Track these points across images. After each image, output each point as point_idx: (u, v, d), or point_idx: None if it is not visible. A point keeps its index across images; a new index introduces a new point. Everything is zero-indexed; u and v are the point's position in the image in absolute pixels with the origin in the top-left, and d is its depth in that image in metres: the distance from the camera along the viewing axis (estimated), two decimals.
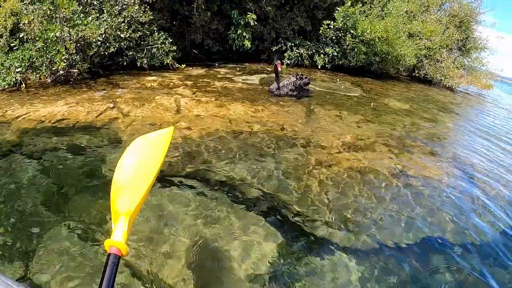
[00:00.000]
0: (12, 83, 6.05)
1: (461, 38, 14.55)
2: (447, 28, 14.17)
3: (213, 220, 2.78)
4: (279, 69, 6.85)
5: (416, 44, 12.87)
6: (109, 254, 0.96)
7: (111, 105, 5.43)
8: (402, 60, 11.96)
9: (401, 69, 13.37)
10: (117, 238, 1.01)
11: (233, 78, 8.55)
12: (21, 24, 6.55)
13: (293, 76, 7.23)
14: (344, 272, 2.42)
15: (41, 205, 2.85)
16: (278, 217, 2.95)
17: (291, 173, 3.75)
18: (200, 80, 7.96)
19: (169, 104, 5.72)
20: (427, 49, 13.39)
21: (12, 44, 6.32)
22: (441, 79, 13.72)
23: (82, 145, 4.10)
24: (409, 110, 7.80)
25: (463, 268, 2.64)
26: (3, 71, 6.06)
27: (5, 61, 6.15)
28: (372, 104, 7.83)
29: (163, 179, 3.36)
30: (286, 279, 2.31)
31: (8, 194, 2.99)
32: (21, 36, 6.45)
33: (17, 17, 6.65)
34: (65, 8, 6.37)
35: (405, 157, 4.68)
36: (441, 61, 13.77)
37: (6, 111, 5.08)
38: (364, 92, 9.17)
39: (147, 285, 2.12)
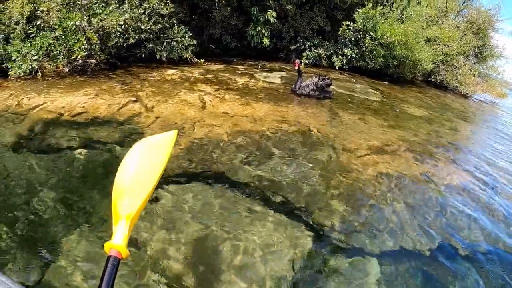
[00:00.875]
0: (28, 71, 5.72)
1: (478, 45, 14.17)
2: (465, 34, 13.79)
3: (236, 221, 2.69)
4: (297, 67, 6.71)
5: (433, 49, 12.50)
6: (109, 257, 0.94)
7: (133, 99, 5.08)
8: (419, 65, 11.59)
9: (417, 73, 12.96)
10: (118, 241, 0.98)
11: (253, 75, 8.18)
12: (38, 12, 6.20)
13: (315, 76, 6.98)
14: (368, 277, 2.38)
15: (56, 202, 2.66)
16: (303, 219, 2.86)
17: (319, 176, 3.60)
18: (221, 76, 7.59)
19: (193, 100, 5.37)
20: (444, 54, 13.02)
21: (29, 32, 5.97)
22: (457, 86, 13.35)
23: (103, 140, 3.76)
24: (429, 117, 7.47)
25: (488, 275, 2.61)
26: (19, 58, 5.71)
27: (21, 48, 5.80)
28: (397, 110, 7.55)
29: (189, 175, 3.24)
30: (309, 282, 2.28)
31: (22, 189, 2.78)
32: (38, 23, 6.10)
33: (35, 4, 6.30)
34: None
35: (430, 164, 4.48)
36: (458, 68, 13.40)
37: (22, 99, 4.74)
38: (383, 96, 8.79)
39: None
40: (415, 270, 2.53)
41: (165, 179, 3.11)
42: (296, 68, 6.70)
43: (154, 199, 2.81)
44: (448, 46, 13.14)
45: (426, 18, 12.90)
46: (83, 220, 2.51)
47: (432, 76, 13.94)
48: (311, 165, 3.80)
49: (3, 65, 5.72)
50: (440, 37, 12.93)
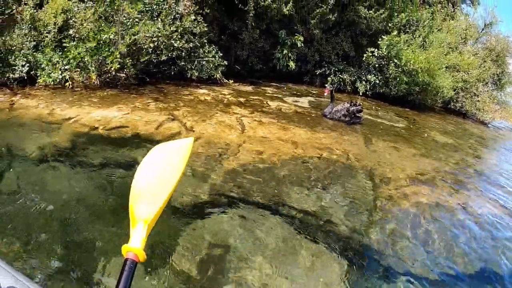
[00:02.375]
0: (57, 80, 5.41)
1: (497, 73, 13.86)
2: (484, 61, 13.49)
3: (279, 249, 2.52)
4: (326, 93, 6.72)
5: (453, 76, 12.22)
6: (126, 259, 0.89)
7: (170, 117, 4.76)
8: (440, 91, 11.29)
9: (438, 100, 12.63)
10: (135, 244, 0.95)
11: (283, 99, 7.81)
12: (71, 22, 5.97)
13: (347, 102, 6.82)
14: None
15: (88, 220, 2.44)
16: (347, 249, 2.70)
17: (362, 205, 3.44)
18: (252, 98, 7.25)
19: (231, 123, 5.02)
20: (464, 81, 12.71)
21: (63, 41, 5.72)
22: (476, 113, 13.01)
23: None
24: (454, 145, 7.15)
25: None
26: (49, 67, 5.44)
27: (52, 56, 5.55)
28: (425, 135, 7.43)
29: (233, 201, 3.02)
30: None
31: (56, 204, 2.51)
32: (70, 33, 5.87)
33: (67, 14, 6.09)
34: (131, 9, 5.79)
35: (464, 195, 4.26)
36: (477, 95, 13.08)
37: (54, 109, 4.41)
38: (409, 123, 8.45)
39: None
40: None
41: (210, 204, 2.88)
42: (326, 94, 6.67)
43: (194, 228, 2.56)
44: (467, 73, 12.87)
45: (447, 44, 12.67)
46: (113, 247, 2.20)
47: (452, 103, 13.61)
48: (354, 195, 3.61)
49: (31, 72, 5.40)
50: (460, 64, 12.67)
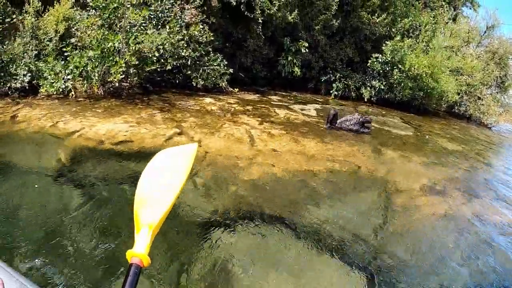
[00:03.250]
0: (60, 90, 5.22)
1: (500, 75, 13.71)
2: (488, 64, 13.35)
3: (293, 264, 2.41)
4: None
5: (457, 80, 12.07)
6: (130, 265, 0.84)
7: (178, 130, 4.56)
8: (445, 96, 11.14)
9: (443, 104, 12.47)
10: (140, 249, 0.90)
11: (290, 107, 7.60)
12: (73, 30, 5.79)
13: (357, 114, 6.85)
14: None
15: (90, 238, 2.26)
16: (364, 263, 2.56)
17: (377, 218, 3.33)
18: (259, 106, 7.05)
19: (241, 135, 4.82)
20: (467, 85, 12.56)
21: (64, 50, 5.52)
22: (480, 116, 12.85)
23: None
24: (462, 151, 7.06)
25: None
26: (51, 76, 5.24)
27: (54, 66, 5.35)
28: (427, 137, 7.51)
29: (246, 217, 2.87)
30: None
31: (55, 224, 2.32)
32: (72, 41, 5.67)
33: (69, 22, 5.90)
34: (136, 15, 5.61)
35: (477, 204, 4.17)
36: (481, 99, 12.92)
37: (57, 122, 4.21)
38: (415, 130, 8.29)
39: None
40: None
41: (223, 220, 2.75)
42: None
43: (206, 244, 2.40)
44: (471, 76, 12.72)
45: (449, 48, 12.53)
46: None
47: (456, 107, 13.44)
48: (368, 207, 3.52)
49: (33, 82, 5.18)
50: (463, 68, 12.52)
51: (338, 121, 6.49)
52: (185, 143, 4.06)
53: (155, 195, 1.09)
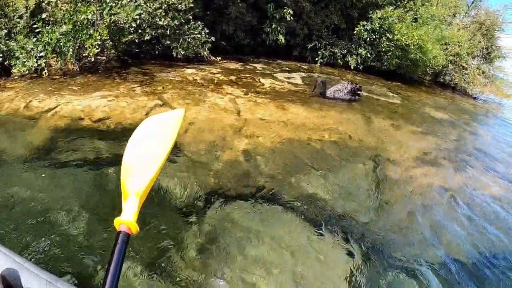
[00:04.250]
0: (33, 68, 4.91)
1: (486, 47, 13.70)
2: (474, 35, 13.31)
3: (284, 239, 2.35)
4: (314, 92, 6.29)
5: (445, 50, 12.00)
6: (118, 232, 0.89)
7: (159, 102, 4.36)
8: (432, 62, 11.07)
9: (429, 72, 12.44)
10: (128, 217, 0.93)
11: (275, 76, 7.45)
12: (43, 4, 5.39)
13: (346, 83, 6.71)
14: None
15: (77, 225, 2.15)
16: (356, 237, 2.52)
17: (370, 189, 3.26)
18: (243, 76, 6.86)
19: (225, 105, 4.67)
20: (455, 55, 12.52)
21: (35, 26, 5.16)
22: (465, 86, 12.91)
23: None
24: (450, 120, 7.11)
25: None
26: (23, 55, 4.92)
27: (26, 44, 5.01)
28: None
29: (236, 191, 2.81)
30: None
31: (37, 211, 2.21)
32: (43, 17, 5.29)
33: None
34: None
35: (469, 174, 4.20)
36: (467, 68, 12.93)
37: (30, 101, 3.99)
38: (403, 99, 8.29)
39: None
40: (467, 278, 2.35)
41: (212, 195, 2.67)
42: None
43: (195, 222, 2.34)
44: (458, 46, 12.66)
45: (437, 17, 12.38)
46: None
47: (441, 76, 13.48)
48: (360, 179, 3.45)
49: (5, 63, 4.89)
50: (450, 37, 12.43)
51: (329, 91, 6.40)
52: None
53: (141, 163, 1.10)
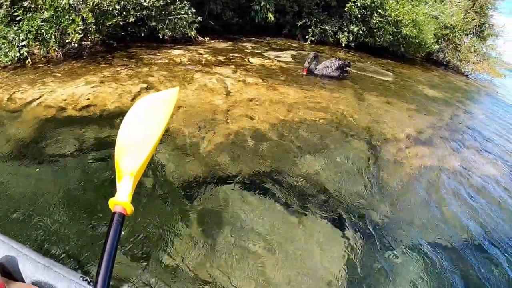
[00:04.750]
0: (16, 58, 4.77)
1: (479, 24, 13.55)
2: (467, 12, 13.13)
3: (277, 222, 2.33)
4: (305, 73, 6.19)
5: (436, 26, 11.83)
6: (114, 213, 0.90)
7: (145, 85, 4.26)
8: (425, 45, 10.94)
9: (421, 52, 12.32)
10: (122, 197, 0.94)
11: (264, 54, 7.35)
12: None
13: (334, 59, 6.57)
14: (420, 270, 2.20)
15: (65, 219, 2.12)
16: (351, 220, 2.49)
17: (364, 171, 3.21)
18: (231, 56, 6.75)
19: (214, 86, 4.59)
20: (448, 28, 12.35)
21: (15, 14, 4.98)
22: (458, 64, 12.85)
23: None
24: (443, 98, 7.09)
25: None
26: (5, 45, 4.76)
27: (7, 33, 4.84)
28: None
29: (227, 176, 2.74)
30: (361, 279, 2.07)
31: (24, 206, 2.18)
32: (25, 4, 5.11)
33: None
34: None
35: (464, 154, 4.22)
36: (460, 45, 12.83)
37: (14, 92, 3.90)
38: (396, 76, 8.29)
39: None
40: (461, 264, 2.34)
41: (202, 181, 2.62)
42: (305, 74, 6.17)
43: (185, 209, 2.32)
44: (451, 21, 12.51)
45: None
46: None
47: (434, 54, 13.38)
48: (355, 160, 3.41)
49: None
50: (443, 13, 12.24)
51: (317, 68, 6.31)
52: None
53: (136, 143, 1.09)
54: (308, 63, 6.13)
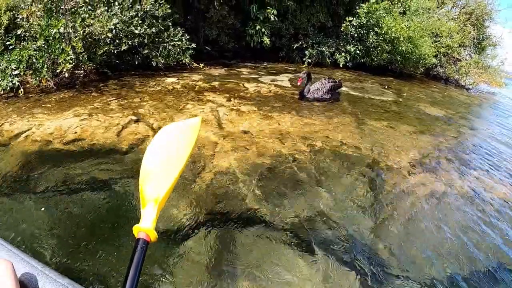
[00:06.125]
0: (8, 88, 4.77)
1: (477, 36, 13.69)
2: (465, 25, 13.27)
3: (272, 266, 2.10)
4: (300, 83, 6.01)
5: (435, 42, 11.93)
6: (138, 239, 0.91)
7: (134, 118, 4.20)
8: (422, 59, 10.98)
9: (420, 68, 12.39)
10: (146, 224, 0.97)
11: (260, 80, 7.34)
12: (18, 20, 5.24)
13: (324, 79, 6.39)
14: None
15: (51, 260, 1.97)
16: (354, 259, 2.27)
17: (365, 204, 2.96)
18: (226, 82, 6.73)
19: (206, 116, 4.51)
20: (446, 47, 12.46)
21: (8, 43, 5.00)
22: (458, 78, 12.90)
23: (103, 178, 2.88)
24: (446, 115, 6.95)
25: None
26: None
27: (0, 62, 4.87)
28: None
29: (215, 220, 2.51)
30: None
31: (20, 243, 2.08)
32: (18, 33, 5.13)
33: (14, 12, 5.34)
34: None
35: (471, 176, 3.90)
36: (460, 60, 12.90)
37: (3, 124, 3.84)
38: (396, 95, 8.18)
39: None
40: None
41: (189, 222, 2.41)
42: (300, 83, 6.02)
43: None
44: (449, 38, 12.63)
45: (426, 9, 12.32)
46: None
47: (434, 69, 13.46)
48: (355, 192, 3.12)
49: None
50: (440, 29, 12.36)
51: (309, 92, 6.14)
52: (142, 133, 3.76)
53: (160, 170, 1.12)
54: (302, 79, 5.96)
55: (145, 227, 0.95)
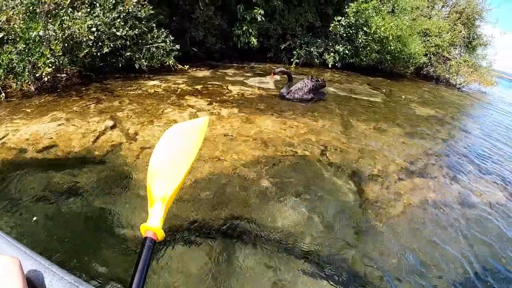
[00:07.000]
0: None
1: (468, 36, 13.81)
2: (455, 25, 13.37)
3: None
4: (271, 78, 6.19)
5: (425, 42, 12.00)
6: (145, 238, 0.94)
7: (111, 123, 4.22)
8: (412, 59, 11.05)
9: (410, 67, 12.47)
10: (154, 223, 0.98)
11: (245, 82, 7.35)
12: (0, 23, 5.24)
13: (306, 78, 6.33)
14: None
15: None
16: (334, 274, 2.16)
17: (348, 215, 2.84)
18: (210, 84, 6.74)
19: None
20: (436, 46, 12.55)
21: None
22: (449, 77, 13.00)
23: (78, 187, 2.89)
24: (437, 116, 6.96)
25: None
26: None
27: None
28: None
29: (190, 231, 2.41)
30: None
31: None
32: (1, 36, 5.13)
33: None
34: None
35: (463, 182, 3.84)
36: (450, 59, 13.01)
37: None
38: (385, 96, 8.20)
39: None
40: None
41: (168, 233, 2.32)
42: (271, 78, 6.07)
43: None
44: (439, 37, 12.72)
45: (415, 9, 12.40)
46: None
47: (424, 69, 13.56)
48: (340, 203, 2.99)
49: None
50: (430, 29, 12.44)
51: (289, 92, 6.10)
52: (116, 140, 3.80)
53: (167, 169, 1.14)
54: (273, 75, 5.99)
55: (153, 226, 0.97)
